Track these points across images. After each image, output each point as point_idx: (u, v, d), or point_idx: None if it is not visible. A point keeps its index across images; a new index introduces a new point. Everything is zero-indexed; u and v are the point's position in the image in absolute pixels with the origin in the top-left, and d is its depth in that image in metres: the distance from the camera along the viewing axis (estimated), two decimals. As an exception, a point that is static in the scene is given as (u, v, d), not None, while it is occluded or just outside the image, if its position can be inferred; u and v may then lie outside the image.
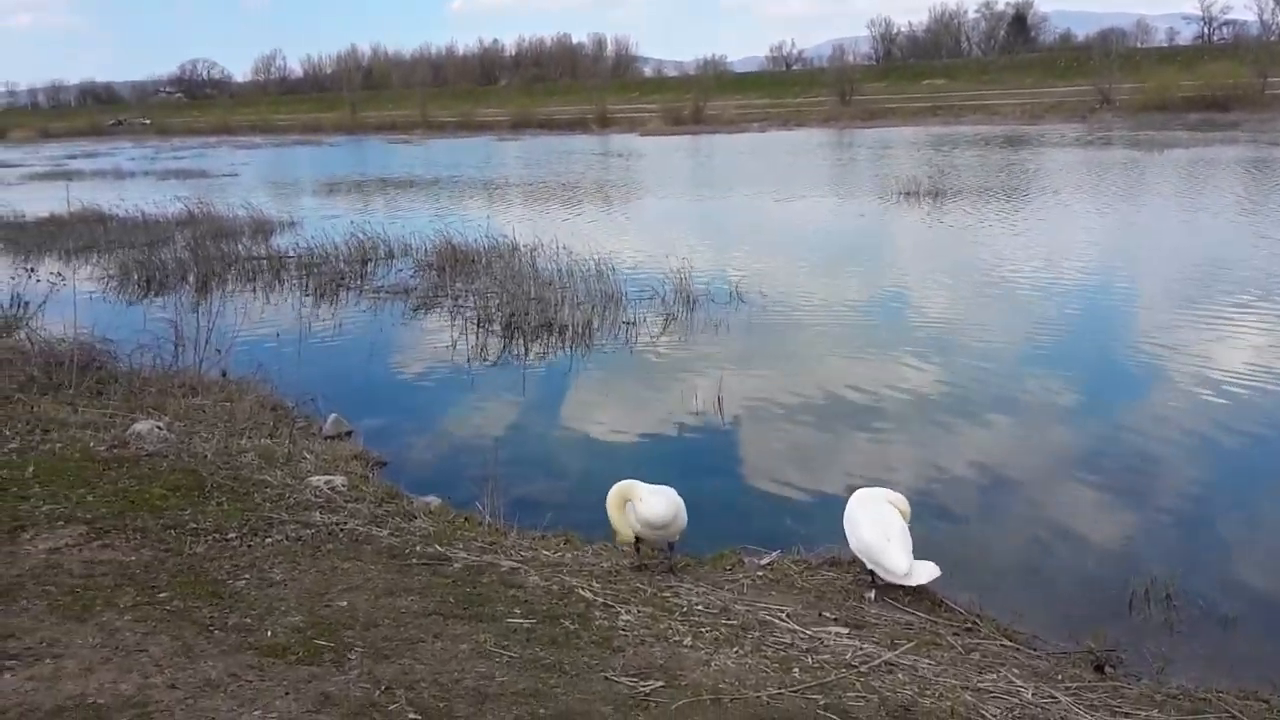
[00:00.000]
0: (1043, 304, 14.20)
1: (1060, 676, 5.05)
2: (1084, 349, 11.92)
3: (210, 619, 4.62)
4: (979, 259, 17.78)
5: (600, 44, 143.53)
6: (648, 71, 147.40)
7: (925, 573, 5.89)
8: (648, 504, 5.89)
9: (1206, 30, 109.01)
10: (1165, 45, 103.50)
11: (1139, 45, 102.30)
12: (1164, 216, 22.49)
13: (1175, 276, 15.57)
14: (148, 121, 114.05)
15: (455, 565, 5.80)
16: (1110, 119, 58.75)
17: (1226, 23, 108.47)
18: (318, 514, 6.57)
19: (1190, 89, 59.74)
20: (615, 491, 6.02)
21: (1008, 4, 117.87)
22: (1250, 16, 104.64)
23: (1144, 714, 4.62)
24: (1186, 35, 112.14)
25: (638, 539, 6.12)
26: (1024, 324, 13.11)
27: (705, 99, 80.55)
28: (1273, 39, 72.34)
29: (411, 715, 3.85)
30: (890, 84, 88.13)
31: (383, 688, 4.04)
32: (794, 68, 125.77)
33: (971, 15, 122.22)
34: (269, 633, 4.53)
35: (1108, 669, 5.34)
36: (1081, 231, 20.73)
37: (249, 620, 4.65)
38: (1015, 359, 11.60)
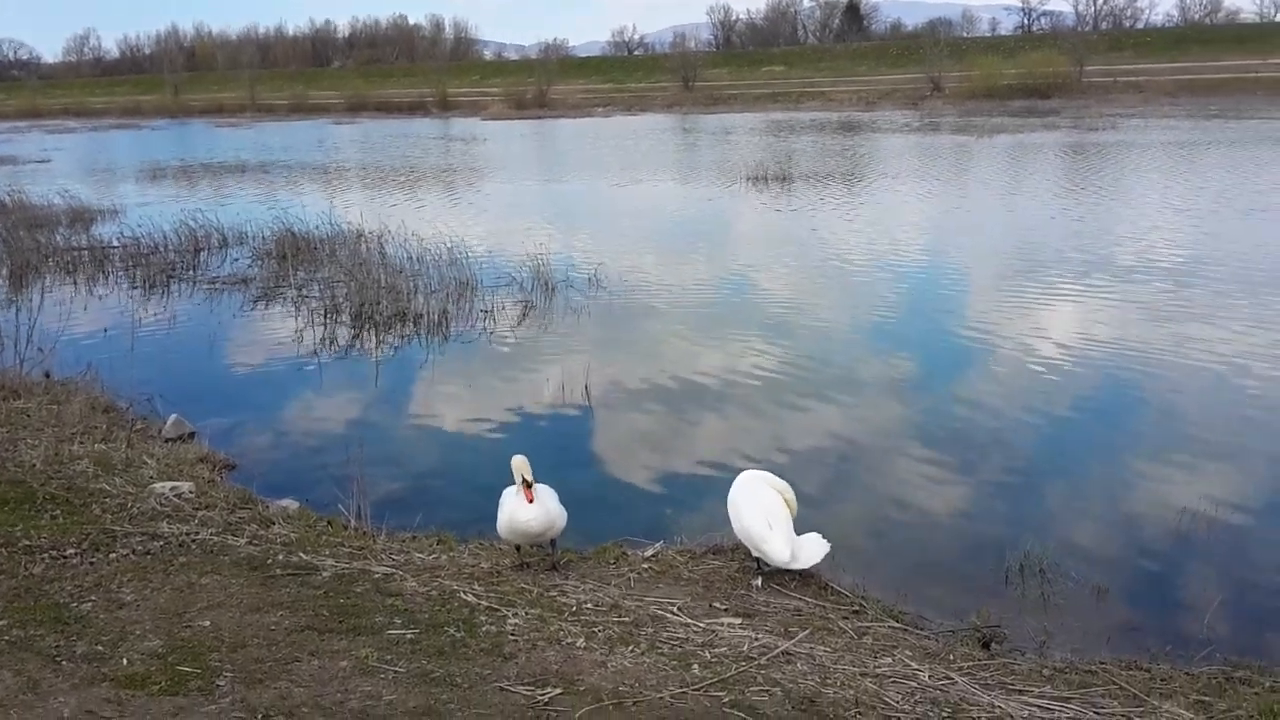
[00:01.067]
0: (886, 285, 14.53)
1: (952, 656, 5.06)
2: (931, 329, 12.22)
3: (56, 648, 4.14)
4: (821, 242, 18.10)
5: (439, 26, 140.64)
6: (488, 55, 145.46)
7: (810, 554, 5.84)
8: (531, 511, 5.61)
9: (1026, 21, 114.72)
10: (989, 35, 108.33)
11: (965, 35, 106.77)
12: (991, 199, 23.42)
13: (1002, 256, 16.17)
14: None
15: (324, 574, 5.42)
16: (940, 106, 61.05)
17: (1045, 13, 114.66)
18: (165, 524, 6.07)
19: (1013, 77, 62.61)
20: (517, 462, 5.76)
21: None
22: (1066, 8, 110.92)
23: (1037, 689, 4.66)
24: (1008, 25, 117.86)
25: (516, 545, 5.86)
26: (867, 305, 13.37)
27: (548, 83, 79.92)
28: (1087, 30, 76.47)
29: (294, 746, 3.52)
30: (731, 71, 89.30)
31: (259, 716, 3.69)
32: (636, 53, 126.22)
33: (807, 4, 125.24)
34: (124, 661, 4.09)
35: (994, 645, 5.40)
36: (916, 214, 21.41)
37: (100, 648, 4.19)
38: (865, 340, 11.80)
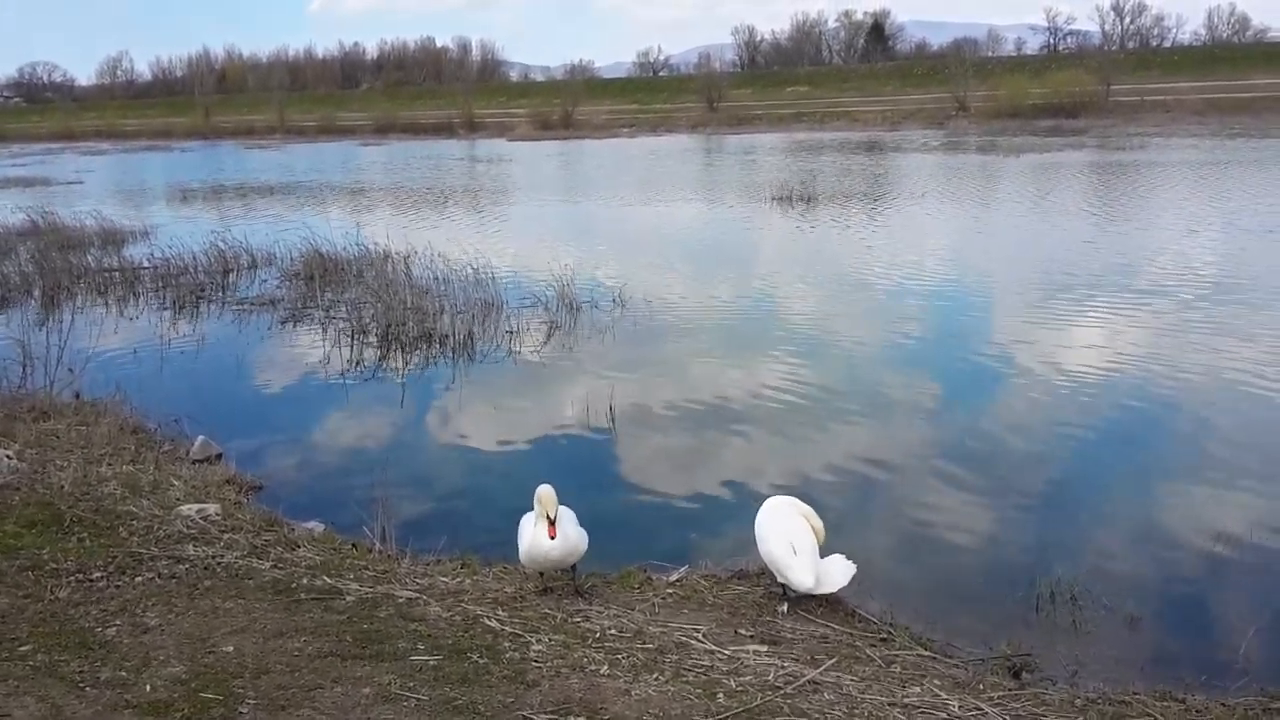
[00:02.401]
0: (911, 305, 14.46)
1: (981, 686, 4.98)
2: (956, 350, 12.11)
3: (80, 674, 4.15)
4: (846, 262, 18.04)
5: (465, 48, 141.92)
6: (515, 76, 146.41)
7: (836, 579, 5.78)
8: (546, 543, 5.56)
9: (1052, 40, 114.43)
10: (1015, 54, 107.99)
11: (990, 54, 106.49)
12: (1017, 219, 23.26)
13: (1028, 276, 16.02)
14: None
15: (348, 599, 5.41)
16: (966, 125, 60.92)
17: (1071, 33, 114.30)
18: (191, 547, 6.08)
19: (1040, 96, 62.42)
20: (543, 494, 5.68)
21: (866, 14, 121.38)
22: (1093, 27, 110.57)
23: (1069, 721, 4.58)
24: (1033, 45, 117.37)
25: (540, 570, 5.82)
26: (893, 326, 13.28)
27: (574, 104, 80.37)
28: (1114, 49, 76.17)
29: (316, 775, 3.50)
30: (755, 91, 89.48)
31: (281, 745, 3.67)
32: (661, 74, 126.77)
33: (832, 24, 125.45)
34: (147, 687, 4.09)
35: (1024, 675, 5.31)
36: (941, 234, 21.33)
37: (124, 673, 4.19)
38: (890, 361, 11.71)
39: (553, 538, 5.51)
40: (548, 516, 5.54)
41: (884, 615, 5.88)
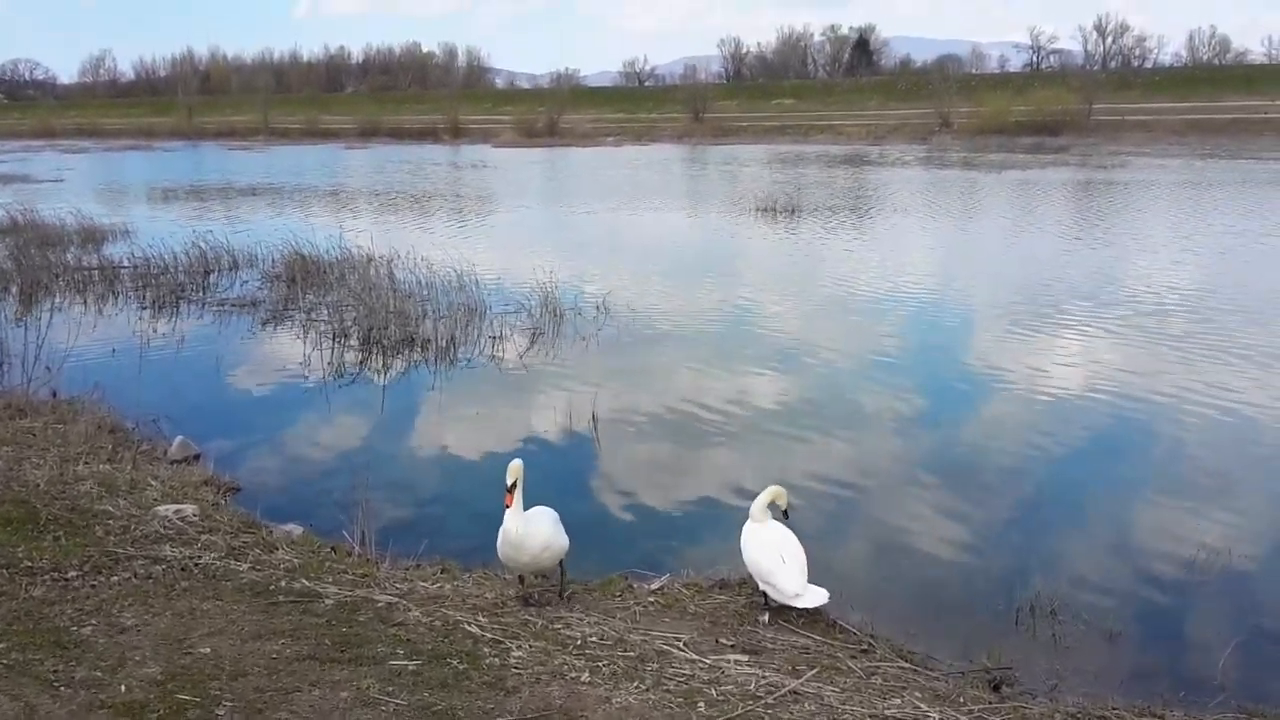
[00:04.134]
0: (892, 319, 14.54)
1: (962, 699, 4.98)
2: (937, 364, 12.16)
3: (55, 673, 4.09)
4: (828, 275, 18.10)
5: (451, 54, 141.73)
6: (500, 83, 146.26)
7: (817, 596, 5.76)
8: (508, 519, 5.54)
9: (1035, 59, 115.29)
10: (998, 72, 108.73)
11: (974, 71, 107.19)
12: (1000, 235, 23.42)
13: (1008, 292, 16.10)
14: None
15: (327, 602, 5.36)
16: (949, 141, 61.24)
17: (1054, 51, 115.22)
18: (168, 547, 6.02)
19: (1023, 114, 62.84)
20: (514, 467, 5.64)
21: (851, 28, 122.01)
22: (1075, 46, 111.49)
23: (1049, 735, 4.58)
24: (1017, 63, 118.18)
25: (520, 575, 5.78)
26: (874, 339, 13.34)
27: (560, 112, 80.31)
28: (1096, 69, 76.82)
29: (293, 779, 3.46)
30: (741, 103, 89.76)
31: (258, 748, 3.63)
32: (647, 84, 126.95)
33: (817, 39, 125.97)
34: (123, 687, 4.03)
35: (1004, 688, 5.32)
36: (923, 249, 21.48)
37: (99, 673, 4.13)
38: (871, 374, 11.73)
39: (508, 505, 5.47)
40: (510, 485, 5.51)
41: (864, 627, 5.87)
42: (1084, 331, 13.42)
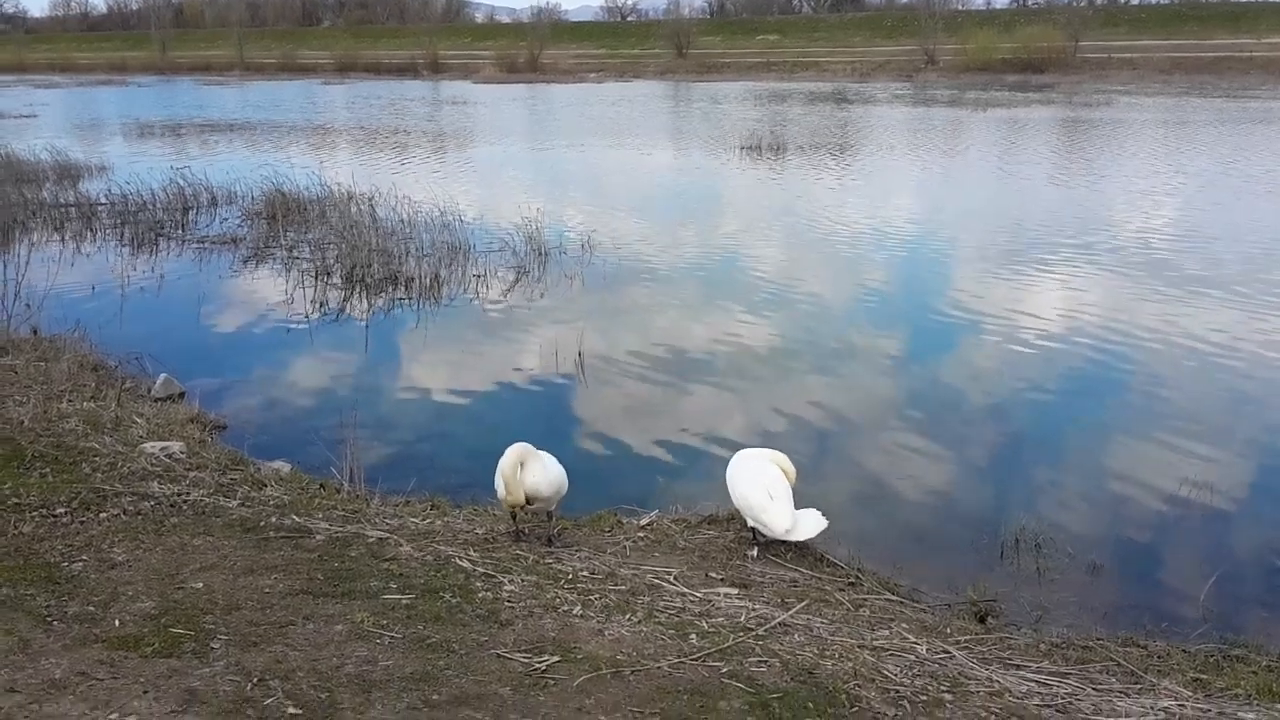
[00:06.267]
0: (878, 258, 14.53)
1: (949, 630, 5.05)
2: (923, 303, 12.15)
3: (48, 608, 4.08)
4: (814, 213, 17.99)
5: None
6: (480, 18, 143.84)
7: (808, 527, 5.80)
8: (535, 475, 5.55)
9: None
10: (984, 8, 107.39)
11: (960, 7, 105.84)
12: (984, 174, 23.33)
13: (993, 232, 16.09)
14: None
15: (318, 538, 5.36)
16: (935, 79, 60.78)
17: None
18: (156, 484, 6.00)
19: (1008, 51, 62.28)
20: (513, 450, 5.57)
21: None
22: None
23: (1034, 664, 4.65)
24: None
25: (513, 510, 5.77)
26: (860, 278, 13.32)
27: (541, 47, 79.12)
28: (1082, 5, 76.08)
29: (291, 710, 3.47)
30: (724, 38, 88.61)
31: (255, 679, 3.64)
32: (630, 19, 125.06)
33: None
34: (116, 622, 4.03)
35: (990, 620, 5.40)
36: (908, 187, 21.40)
37: (92, 608, 4.13)
38: (857, 313, 11.75)
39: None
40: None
41: (852, 561, 5.94)
42: (1068, 270, 13.44)
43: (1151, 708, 4.24)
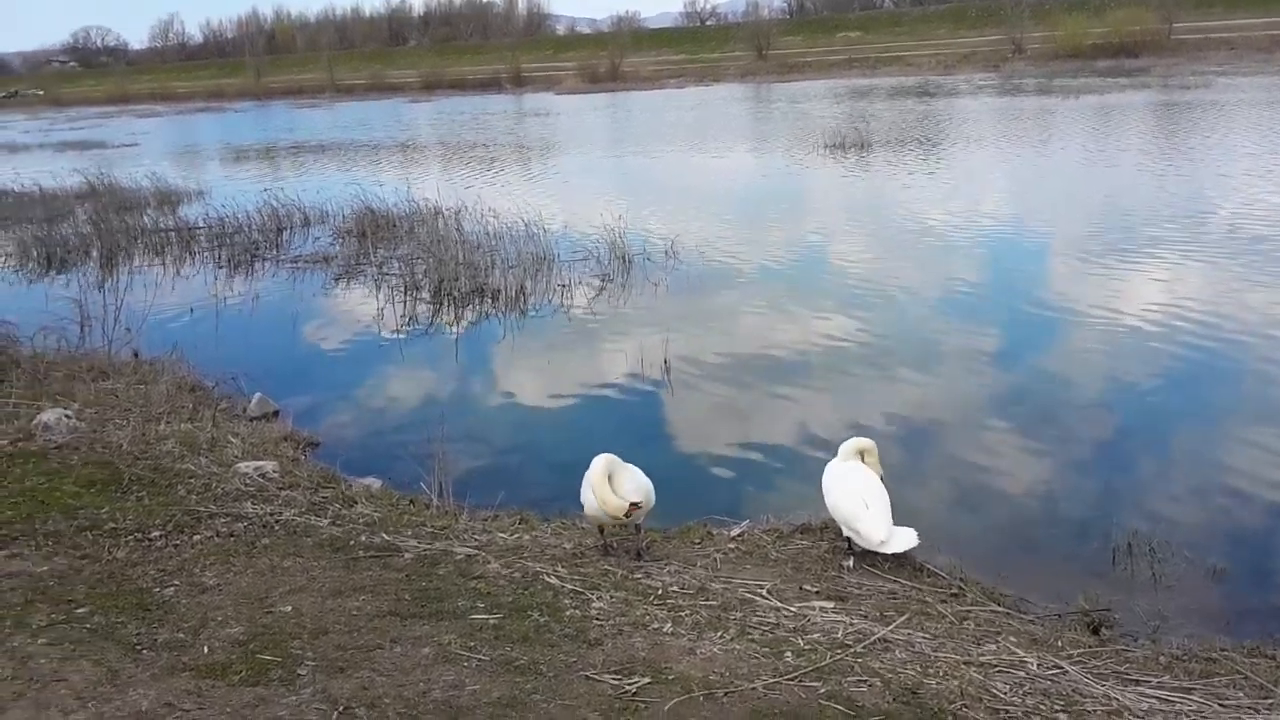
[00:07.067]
0: (969, 254, 14.09)
1: (1060, 643, 4.79)
2: (1017, 299, 11.70)
3: (137, 636, 4.10)
4: (902, 210, 17.53)
5: (512, 2, 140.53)
6: (561, 29, 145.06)
7: (903, 540, 5.59)
8: (627, 485, 5.44)
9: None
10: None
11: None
12: (1077, 164, 22.51)
13: (1089, 223, 15.41)
14: (41, 92, 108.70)
15: (406, 556, 5.33)
16: (1023, 68, 59.20)
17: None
18: (249, 504, 6.05)
19: (1099, 36, 60.36)
20: (601, 461, 5.46)
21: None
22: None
23: (1154, 679, 4.38)
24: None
25: (600, 525, 5.67)
26: (950, 275, 12.90)
27: (621, 56, 79.34)
28: (1175, -15, 73.45)
29: (377, 738, 3.41)
30: (805, 37, 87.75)
31: (341, 708, 3.59)
32: (709, 23, 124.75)
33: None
34: (205, 649, 4.03)
35: (1103, 630, 5.11)
36: (999, 181, 20.77)
37: (182, 635, 4.14)
38: (949, 311, 11.37)
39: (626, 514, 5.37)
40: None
41: (953, 570, 5.69)
42: (1167, 259, 12.86)
43: (1285, 726, 3.95)
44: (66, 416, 7.54)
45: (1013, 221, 16.17)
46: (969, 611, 5.16)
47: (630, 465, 5.64)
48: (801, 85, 59.86)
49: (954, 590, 5.46)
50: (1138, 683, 4.35)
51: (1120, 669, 4.49)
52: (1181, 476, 7.11)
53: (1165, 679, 4.40)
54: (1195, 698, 4.19)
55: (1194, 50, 57.75)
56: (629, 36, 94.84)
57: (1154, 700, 4.13)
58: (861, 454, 5.94)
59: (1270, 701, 4.21)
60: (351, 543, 5.48)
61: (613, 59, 78.44)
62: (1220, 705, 4.14)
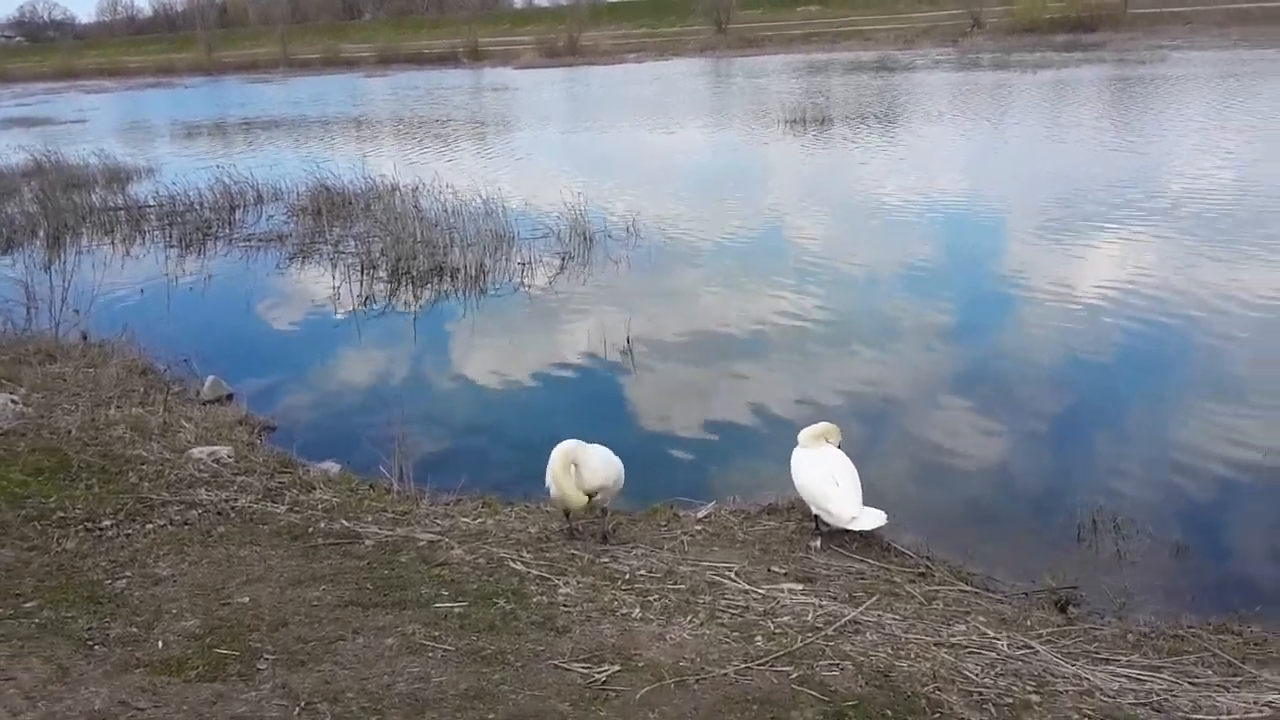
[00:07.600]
0: (928, 230, 14.12)
1: (1029, 622, 4.78)
2: (977, 275, 11.78)
3: (89, 631, 3.95)
4: (861, 186, 17.55)
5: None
6: (519, 3, 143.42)
7: (873, 519, 5.55)
8: (592, 468, 5.35)
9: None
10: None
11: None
12: (1033, 139, 22.62)
13: (1045, 198, 15.44)
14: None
15: (367, 543, 5.21)
16: (981, 42, 59.40)
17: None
18: (204, 491, 5.90)
19: (1056, 10, 60.70)
20: (560, 453, 5.36)
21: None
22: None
23: (1123, 658, 4.38)
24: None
25: (566, 510, 5.58)
26: (910, 251, 12.88)
27: (580, 30, 78.68)
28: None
29: (339, 735, 3.31)
30: (765, 11, 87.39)
31: (302, 703, 3.48)
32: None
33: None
34: (160, 643, 3.90)
35: (1071, 609, 5.10)
36: (956, 156, 20.81)
37: (135, 629, 3.99)
38: (910, 288, 11.34)
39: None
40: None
41: (919, 549, 5.68)
42: (1124, 234, 12.94)
43: (1255, 702, 3.95)
44: (13, 402, 7.31)
45: (968, 197, 16.21)
46: (937, 591, 5.14)
47: (596, 445, 5.54)
48: (761, 60, 59.66)
49: (921, 569, 5.44)
50: (1107, 661, 4.34)
51: (1090, 648, 4.49)
52: (1144, 452, 7.14)
53: (1134, 657, 4.40)
54: (1165, 676, 4.19)
55: (1150, 25, 58.26)
56: (588, 10, 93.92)
57: (1124, 679, 4.12)
58: (825, 437, 5.89)
59: (1239, 678, 4.22)
60: (310, 530, 5.35)
61: (571, 33, 77.74)
62: (1190, 683, 4.14)
